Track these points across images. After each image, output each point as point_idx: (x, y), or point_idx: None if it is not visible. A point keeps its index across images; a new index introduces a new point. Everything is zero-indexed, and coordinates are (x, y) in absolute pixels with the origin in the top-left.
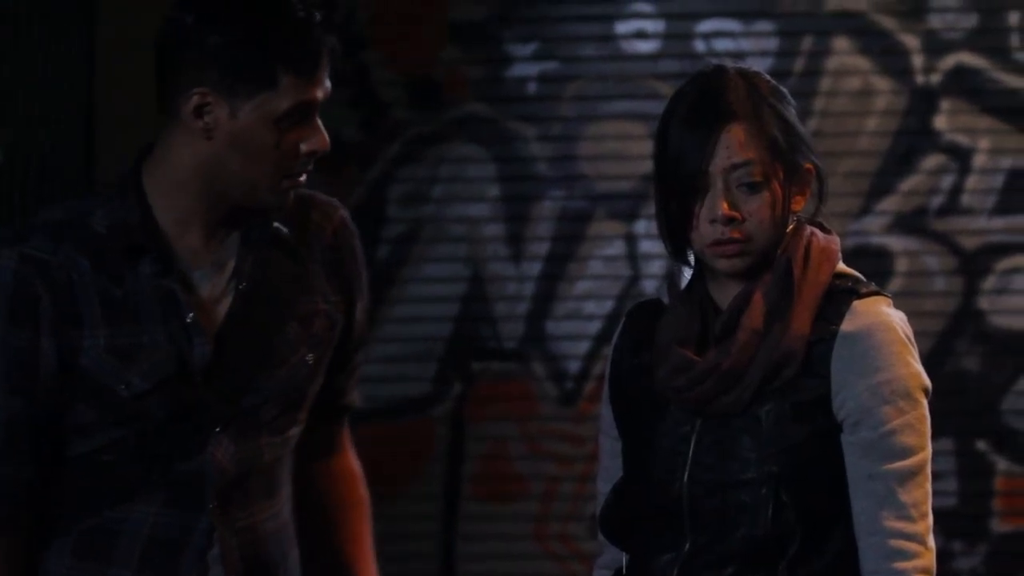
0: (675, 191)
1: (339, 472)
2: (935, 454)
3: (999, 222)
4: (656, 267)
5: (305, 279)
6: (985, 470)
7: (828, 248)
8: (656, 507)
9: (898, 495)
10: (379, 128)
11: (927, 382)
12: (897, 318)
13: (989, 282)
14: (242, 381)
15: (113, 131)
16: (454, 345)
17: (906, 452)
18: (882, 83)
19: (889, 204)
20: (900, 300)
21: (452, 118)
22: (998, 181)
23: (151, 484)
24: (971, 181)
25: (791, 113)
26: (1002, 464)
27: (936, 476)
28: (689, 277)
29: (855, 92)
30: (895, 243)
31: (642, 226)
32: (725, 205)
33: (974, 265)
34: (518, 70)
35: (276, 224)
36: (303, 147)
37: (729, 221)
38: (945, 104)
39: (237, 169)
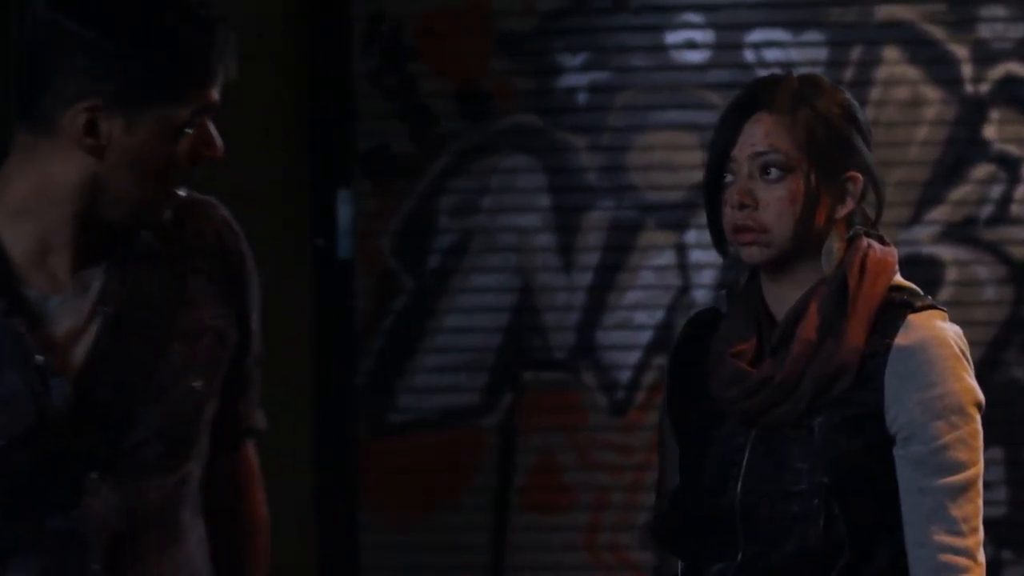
0: (708, 178)
1: (240, 520)
2: (985, 464)
3: None
4: (707, 277)
5: (185, 294)
6: None
7: (884, 260)
8: (708, 516)
9: (948, 510)
10: (428, 140)
11: (980, 397)
12: (952, 333)
13: None
14: (118, 419)
15: None
16: (504, 355)
17: (957, 467)
18: (931, 93)
19: (939, 214)
20: (950, 310)
21: (501, 129)
22: None
23: (23, 548)
24: (1021, 191)
25: (845, 125)
26: None
27: (986, 486)
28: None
29: (904, 102)
30: (945, 253)
31: (692, 236)
32: (739, 190)
33: None
34: (567, 80)
35: (144, 236)
36: (199, 154)
37: (742, 207)
38: (994, 114)
39: (128, 186)
